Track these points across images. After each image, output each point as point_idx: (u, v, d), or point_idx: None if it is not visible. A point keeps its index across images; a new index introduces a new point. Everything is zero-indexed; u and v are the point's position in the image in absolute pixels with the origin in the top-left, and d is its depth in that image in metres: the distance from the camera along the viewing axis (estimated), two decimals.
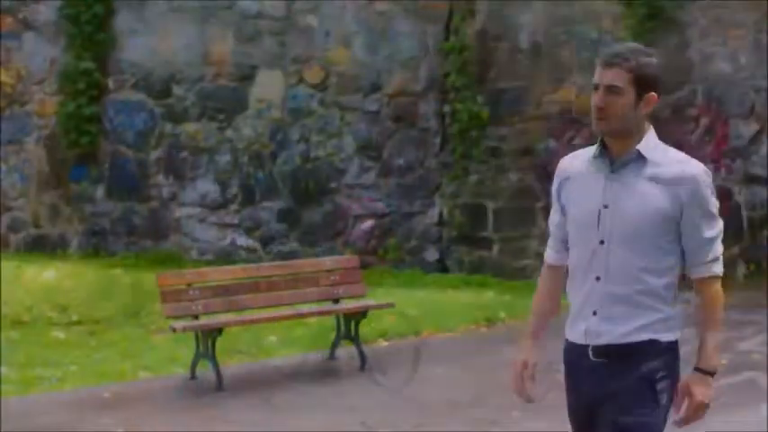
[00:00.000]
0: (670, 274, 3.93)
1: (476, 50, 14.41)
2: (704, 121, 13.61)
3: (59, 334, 10.79)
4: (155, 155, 15.76)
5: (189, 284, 8.93)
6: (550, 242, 4.17)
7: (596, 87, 3.93)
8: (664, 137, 13.79)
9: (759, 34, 13.30)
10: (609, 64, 3.92)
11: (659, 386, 3.88)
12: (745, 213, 13.35)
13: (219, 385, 8.55)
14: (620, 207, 3.89)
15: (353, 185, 14.75)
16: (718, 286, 3.98)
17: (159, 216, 15.74)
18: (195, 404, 8.23)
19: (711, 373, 3.91)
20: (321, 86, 15.02)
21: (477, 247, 14.61)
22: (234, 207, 15.39)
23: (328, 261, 10.00)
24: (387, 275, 13.71)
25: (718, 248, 3.99)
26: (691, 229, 3.93)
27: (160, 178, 15.73)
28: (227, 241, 15.39)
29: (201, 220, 15.57)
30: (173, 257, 15.23)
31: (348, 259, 10.15)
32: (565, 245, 4.08)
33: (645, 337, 3.87)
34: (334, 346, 9.54)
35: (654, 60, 3.95)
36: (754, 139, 13.34)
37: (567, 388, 4.05)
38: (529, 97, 14.40)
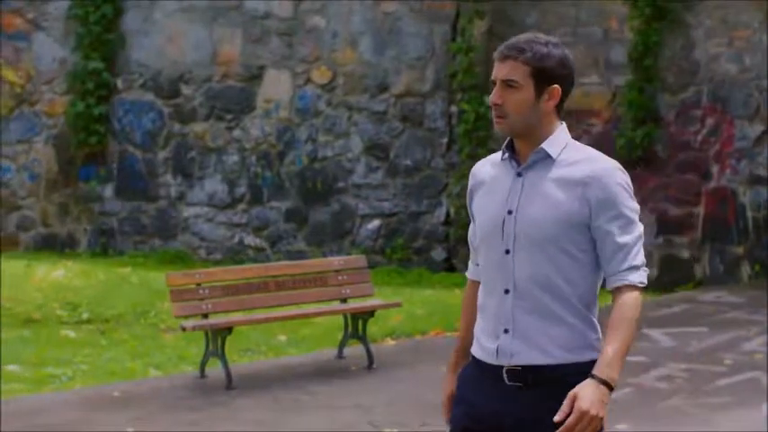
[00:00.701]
0: (584, 284, 3.51)
1: (482, 51, 14.38)
2: (710, 122, 13.64)
3: (70, 332, 10.84)
4: (163, 154, 15.85)
5: (198, 284, 9.00)
6: (471, 255, 3.77)
7: (494, 83, 3.56)
8: (669, 137, 13.63)
9: (764, 35, 13.32)
10: (504, 57, 3.54)
11: None
12: (749, 214, 13.38)
13: (229, 384, 8.62)
14: (525, 213, 3.52)
15: (361, 185, 14.84)
16: (633, 296, 3.47)
17: (167, 215, 15.82)
18: (205, 402, 8.30)
19: (607, 384, 3.37)
20: (328, 87, 15.09)
21: None
22: (242, 207, 15.47)
23: (336, 261, 10.07)
24: (394, 275, 13.79)
25: (637, 256, 3.51)
26: (602, 235, 3.50)
27: (168, 178, 15.82)
28: (235, 240, 15.46)
29: (209, 220, 15.64)
30: (181, 256, 15.35)
31: (356, 259, 10.22)
32: None
33: (562, 357, 3.48)
34: (342, 345, 9.62)
35: (556, 50, 3.57)
36: (760, 140, 13.36)
37: (464, 405, 3.62)
38: None
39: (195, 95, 15.67)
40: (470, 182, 3.73)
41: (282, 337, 10.50)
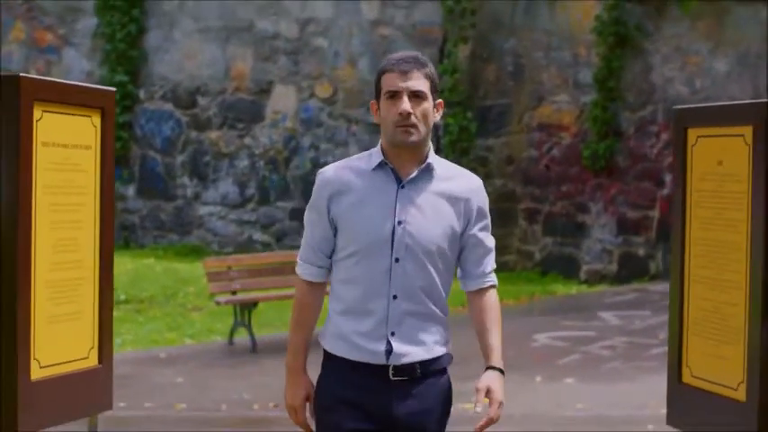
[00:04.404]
0: (447, 288, 3.69)
1: (466, 72, 15.43)
2: (664, 137, 14.60)
3: None
4: (180, 159, 16.91)
5: (229, 267, 10.69)
6: (311, 257, 3.71)
7: (393, 95, 3.52)
8: (629, 150, 14.76)
9: (713, 62, 14.30)
10: (408, 70, 3.51)
11: (450, 396, 3.74)
12: None
13: (254, 348, 10.23)
14: (415, 223, 3.56)
15: None
16: (496, 295, 3.75)
17: (184, 213, 16.90)
18: (236, 362, 9.85)
19: (503, 372, 3.68)
20: (330, 100, 16.14)
21: None
22: (251, 206, 16.55)
23: None
24: None
25: (493, 260, 3.78)
26: (475, 242, 3.68)
27: (185, 179, 16.90)
28: (245, 236, 16.54)
29: (222, 218, 16.71)
30: (196, 250, 16.50)
31: None
32: (328, 261, 3.70)
33: (440, 351, 3.66)
34: None
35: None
36: None
37: (344, 408, 3.64)
38: (512, 113, 15.42)
39: (210, 106, 16.74)
40: (327, 188, 3.62)
41: None
